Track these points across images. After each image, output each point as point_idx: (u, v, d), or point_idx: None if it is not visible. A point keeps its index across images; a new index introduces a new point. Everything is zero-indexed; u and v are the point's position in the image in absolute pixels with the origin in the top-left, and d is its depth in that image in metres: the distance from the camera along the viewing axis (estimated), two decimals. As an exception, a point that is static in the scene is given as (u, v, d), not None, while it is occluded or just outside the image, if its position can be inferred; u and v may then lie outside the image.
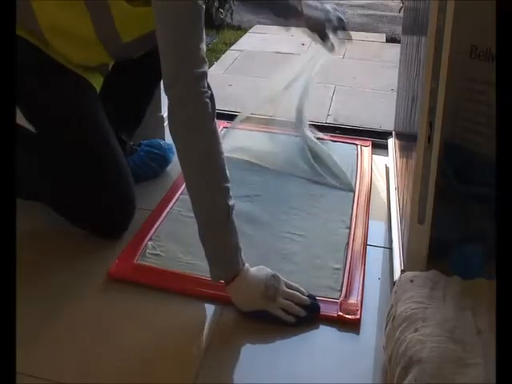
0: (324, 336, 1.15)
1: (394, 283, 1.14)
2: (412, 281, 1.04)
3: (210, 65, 2.89)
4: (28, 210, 1.42)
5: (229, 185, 1.15)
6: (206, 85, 1.12)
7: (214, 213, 1.14)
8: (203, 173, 1.14)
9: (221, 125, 2.02)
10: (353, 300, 1.22)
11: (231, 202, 1.14)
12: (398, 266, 1.24)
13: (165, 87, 1.12)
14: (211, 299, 1.23)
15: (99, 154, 1.38)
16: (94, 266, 1.32)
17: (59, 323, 1.17)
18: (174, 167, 1.75)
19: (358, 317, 1.17)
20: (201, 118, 1.11)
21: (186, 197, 1.55)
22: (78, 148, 1.36)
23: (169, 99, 1.12)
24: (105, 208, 1.38)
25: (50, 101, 1.36)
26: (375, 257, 1.39)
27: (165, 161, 1.73)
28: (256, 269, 1.19)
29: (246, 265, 1.18)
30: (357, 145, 1.93)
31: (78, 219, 1.42)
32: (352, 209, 1.56)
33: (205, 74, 1.11)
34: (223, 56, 3.10)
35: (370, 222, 1.52)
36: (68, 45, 1.34)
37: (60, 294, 1.24)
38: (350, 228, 1.47)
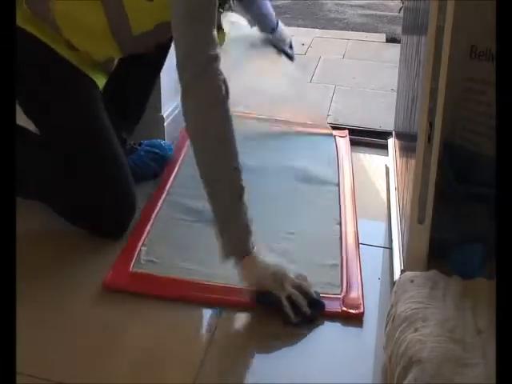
0: (324, 337, 1.15)
1: (394, 283, 1.14)
2: (412, 281, 1.04)
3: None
4: (27, 210, 1.42)
5: (240, 167, 1.16)
6: (219, 67, 1.14)
7: (228, 193, 1.16)
8: (218, 152, 1.15)
9: None
10: (354, 295, 1.22)
11: (243, 184, 1.16)
12: (398, 266, 1.24)
13: (178, 68, 1.14)
14: (211, 304, 1.21)
15: (100, 155, 1.38)
16: (92, 266, 1.31)
17: (59, 323, 1.17)
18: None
19: (361, 311, 1.18)
20: (215, 96, 1.13)
21: (174, 197, 1.55)
22: (79, 148, 1.36)
23: (182, 80, 1.14)
24: (105, 208, 1.38)
25: (51, 99, 1.36)
26: (375, 257, 1.39)
27: (165, 161, 1.73)
28: (263, 267, 1.18)
29: (255, 248, 1.18)
30: (334, 136, 1.91)
31: (77, 219, 1.42)
32: (339, 204, 1.55)
33: (217, 57, 1.14)
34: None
35: (369, 221, 1.52)
36: (79, 33, 1.34)
37: (60, 295, 1.24)
38: (340, 223, 1.46)
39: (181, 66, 1.13)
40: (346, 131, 1.95)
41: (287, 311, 1.14)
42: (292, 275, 1.18)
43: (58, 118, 1.37)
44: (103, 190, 1.37)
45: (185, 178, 1.67)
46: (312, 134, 1.95)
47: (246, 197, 1.17)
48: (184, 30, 1.13)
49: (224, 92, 1.14)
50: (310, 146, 1.87)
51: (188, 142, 1.86)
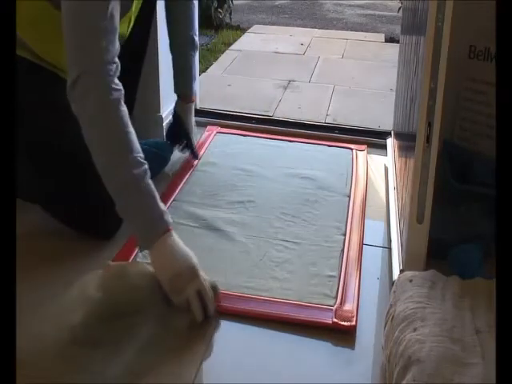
0: (322, 337, 1.14)
1: (392, 283, 1.14)
2: (411, 280, 1.04)
3: (209, 65, 2.89)
4: (27, 209, 1.42)
5: (135, 155, 1.15)
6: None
7: (121, 184, 1.15)
8: (105, 150, 1.17)
9: (214, 130, 2.03)
10: (348, 307, 1.20)
11: (137, 170, 1.14)
12: (396, 266, 1.24)
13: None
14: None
15: (86, 158, 1.36)
16: (90, 266, 1.31)
17: (58, 323, 1.16)
18: (173, 167, 1.75)
19: (353, 323, 1.15)
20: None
21: (178, 203, 1.56)
22: (66, 151, 1.35)
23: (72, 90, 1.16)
24: (94, 208, 1.36)
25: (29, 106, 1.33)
26: (374, 256, 1.39)
27: (163, 160, 1.73)
28: (182, 251, 1.15)
29: (173, 236, 1.15)
30: (352, 149, 1.92)
31: (68, 219, 1.41)
32: (347, 215, 1.53)
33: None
34: (222, 56, 3.11)
35: (368, 221, 1.51)
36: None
37: (58, 294, 1.24)
38: (345, 234, 1.44)
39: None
40: (365, 146, 1.95)
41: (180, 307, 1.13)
42: (201, 281, 1.13)
43: (38, 126, 1.35)
44: (91, 191, 1.35)
45: (193, 185, 1.66)
46: (330, 146, 1.95)
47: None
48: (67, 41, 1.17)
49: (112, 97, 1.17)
50: (326, 157, 1.87)
51: (208, 144, 1.90)
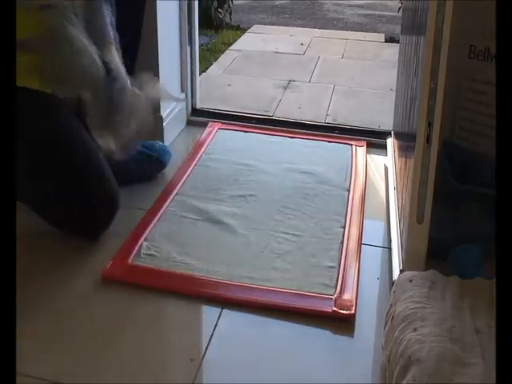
0: (322, 336, 1.15)
1: (392, 283, 1.14)
2: (411, 280, 1.04)
3: (209, 65, 2.89)
4: (27, 210, 1.42)
5: None
6: None
7: None
8: None
9: (216, 126, 2.03)
10: (347, 296, 1.22)
11: None
12: (396, 266, 1.24)
13: None
14: (208, 299, 1.22)
15: (75, 160, 1.35)
16: (90, 265, 1.31)
17: (57, 323, 1.16)
18: (171, 169, 1.75)
19: (352, 312, 1.18)
20: None
21: (181, 197, 1.58)
22: (58, 155, 1.35)
23: None
24: (86, 207, 1.37)
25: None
26: (374, 256, 1.39)
27: (161, 163, 1.72)
28: None
29: None
30: (351, 145, 1.93)
31: (57, 219, 1.41)
32: (346, 208, 1.56)
33: None
34: (222, 56, 3.10)
35: (368, 221, 1.52)
36: None
37: (57, 295, 1.24)
38: (344, 227, 1.47)
39: None
40: (364, 142, 1.96)
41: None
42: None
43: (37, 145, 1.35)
44: (83, 190, 1.36)
45: (196, 180, 1.69)
46: (330, 142, 1.98)
47: None
48: None
49: None
50: (326, 153, 1.89)
51: (210, 140, 1.90)
